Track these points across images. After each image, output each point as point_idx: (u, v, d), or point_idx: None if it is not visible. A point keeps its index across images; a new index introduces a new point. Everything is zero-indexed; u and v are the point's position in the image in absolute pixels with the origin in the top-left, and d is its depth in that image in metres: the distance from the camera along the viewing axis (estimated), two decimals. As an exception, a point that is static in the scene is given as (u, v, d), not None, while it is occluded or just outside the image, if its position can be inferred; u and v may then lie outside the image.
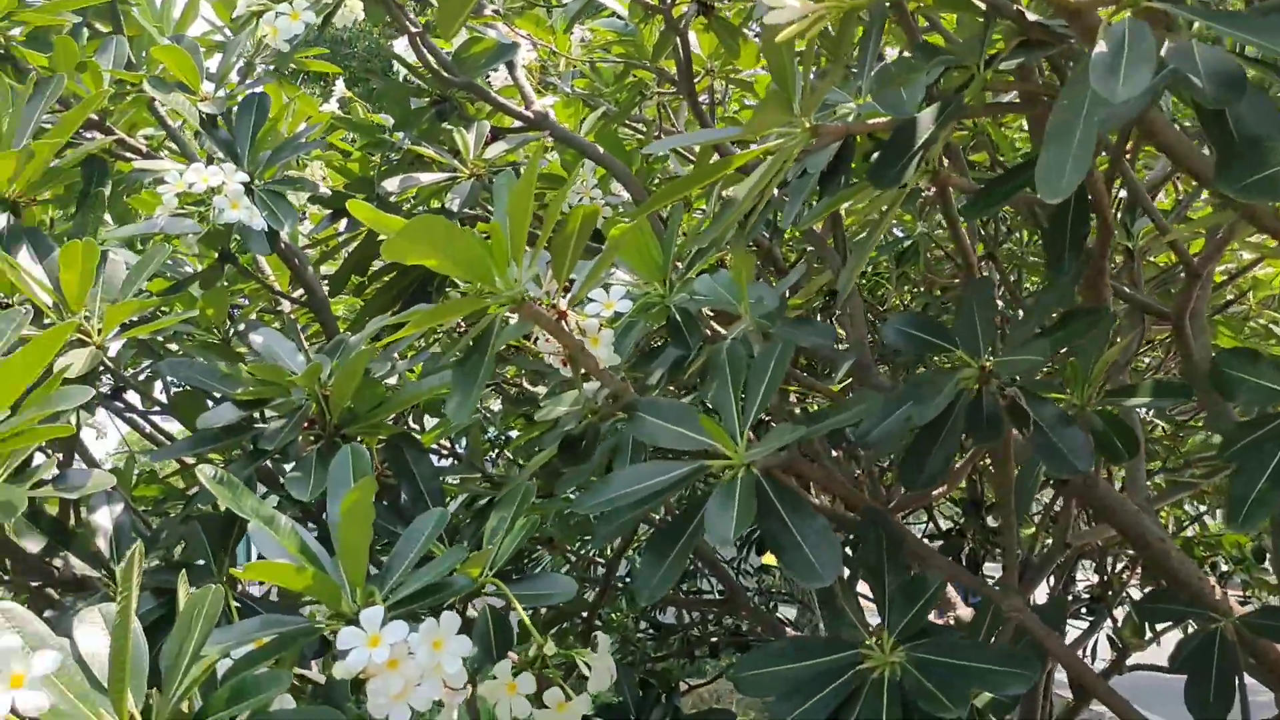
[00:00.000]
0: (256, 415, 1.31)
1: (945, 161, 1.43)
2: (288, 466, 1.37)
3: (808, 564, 0.86)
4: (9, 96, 1.20)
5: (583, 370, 1.12)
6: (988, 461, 1.96)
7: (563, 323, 1.06)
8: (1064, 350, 1.21)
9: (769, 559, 3.55)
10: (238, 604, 1.25)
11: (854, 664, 0.97)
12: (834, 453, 1.82)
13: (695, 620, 3.51)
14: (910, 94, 1.19)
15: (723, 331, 1.37)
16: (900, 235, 2.40)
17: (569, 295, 1.10)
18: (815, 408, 2.36)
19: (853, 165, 1.19)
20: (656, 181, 2.18)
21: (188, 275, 1.72)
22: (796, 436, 0.88)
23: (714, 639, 3.24)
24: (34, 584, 1.24)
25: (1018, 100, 1.21)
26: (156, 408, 1.86)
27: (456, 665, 0.85)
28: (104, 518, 1.31)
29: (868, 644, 0.97)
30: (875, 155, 1.02)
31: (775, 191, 1.34)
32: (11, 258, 1.13)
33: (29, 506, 1.30)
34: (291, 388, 1.23)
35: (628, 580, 3.42)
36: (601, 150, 1.78)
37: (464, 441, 2.31)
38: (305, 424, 1.25)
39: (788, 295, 1.72)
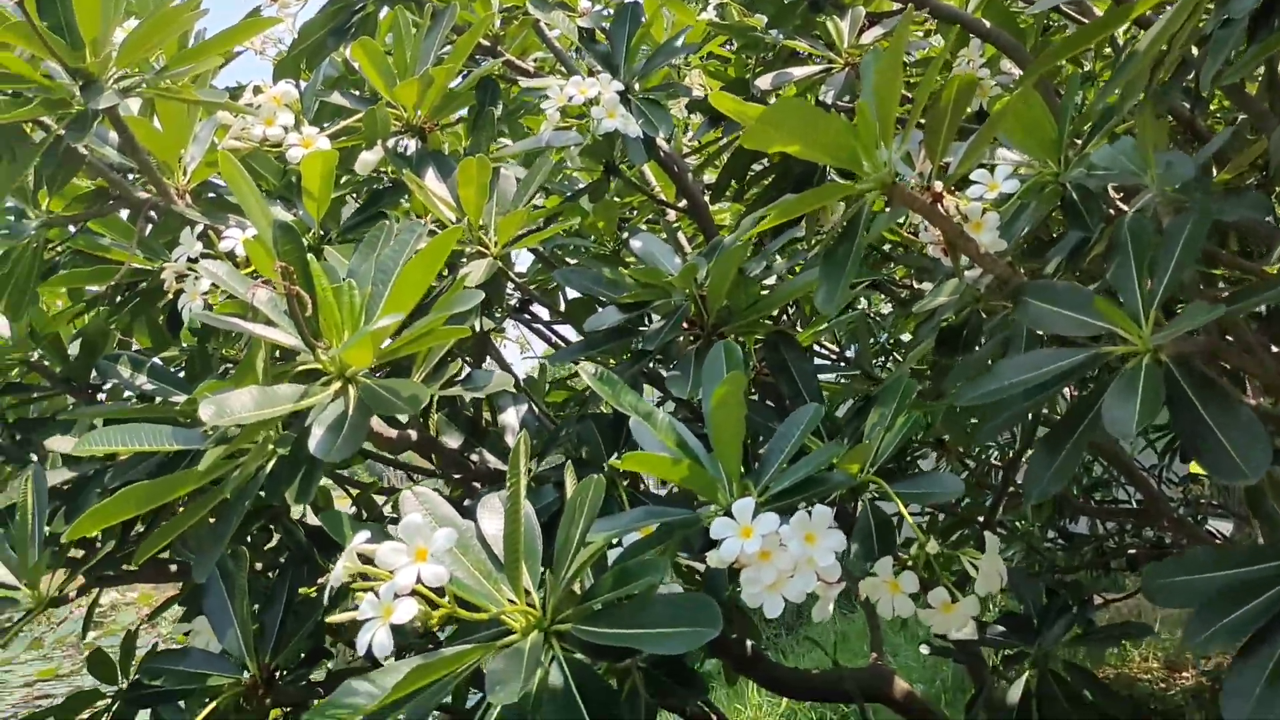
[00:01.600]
0: (641, 318, 1.36)
1: None
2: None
3: (1228, 459, 0.75)
4: (410, 31, 1.30)
5: (962, 257, 1.05)
6: None
7: (938, 206, 0.99)
8: None
9: (1196, 467, 3.22)
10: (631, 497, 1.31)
11: (1289, 577, 0.84)
12: (1274, 349, 1.59)
13: (1111, 531, 3.27)
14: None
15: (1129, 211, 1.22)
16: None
17: (946, 177, 1.03)
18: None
19: None
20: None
21: (578, 190, 1.80)
22: (1213, 316, 0.76)
23: (1131, 551, 3.00)
24: (456, 476, 1.37)
25: None
26: (559, 318, 1.99)
27: (829, 559, 0.83)
28: (511, 417, 1.42)
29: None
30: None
31: (1194, 50, 1.17)
32: (419, 179, 1.24)
33: (449, 408, 1.44)
34: (669, 289, 1.25)
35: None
36: (988, 24, 1.64)
37: (854, 348, 2.28)
38: (684, 324, 1.28)
39: (1213, 169, 1.52)
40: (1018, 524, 3.20)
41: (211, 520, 1.00)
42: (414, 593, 0.72)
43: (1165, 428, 3.23)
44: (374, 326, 0.82)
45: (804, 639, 5.21)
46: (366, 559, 0.75)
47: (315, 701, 0.95)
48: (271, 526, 1.60)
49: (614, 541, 0.98)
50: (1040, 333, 1.16)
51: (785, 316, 1.82)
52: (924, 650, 1.85)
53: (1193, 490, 3.43)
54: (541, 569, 0.89)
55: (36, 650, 7.53)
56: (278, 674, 1.18)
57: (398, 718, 0.80)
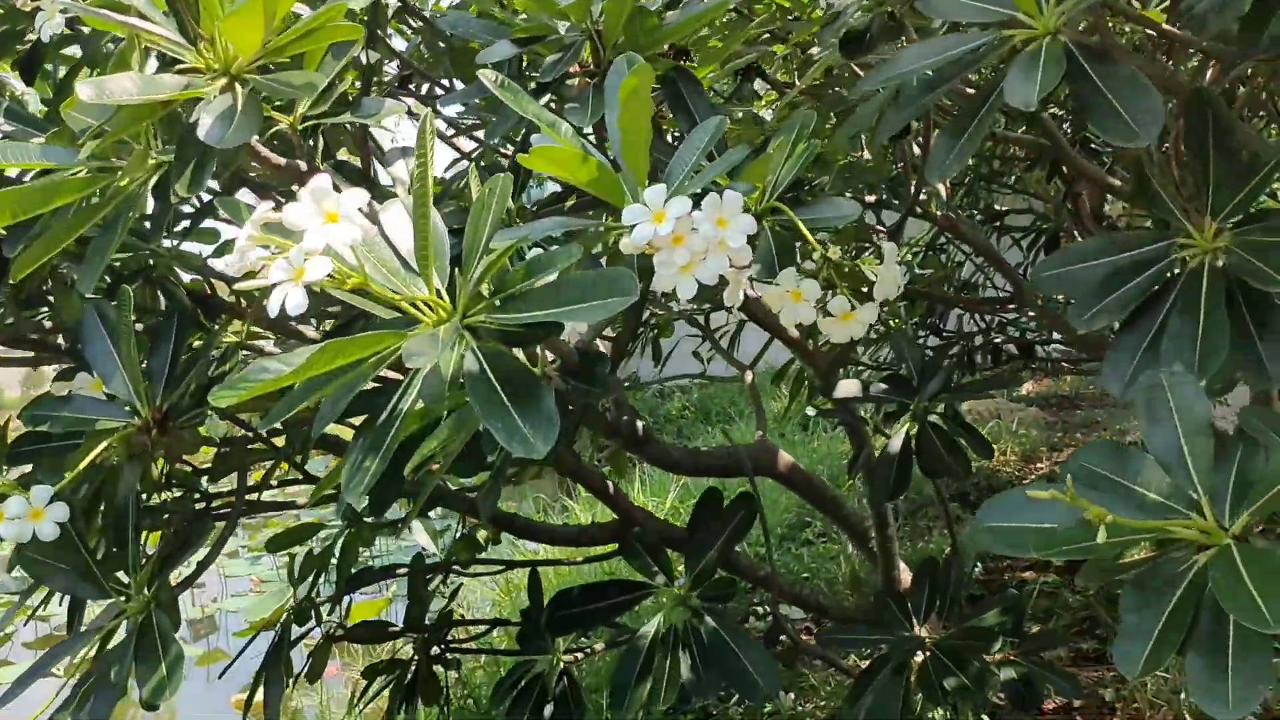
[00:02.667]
0: (533, 61, 1.32)
1: None
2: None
3: (1121, 122, 0.77)
4: None
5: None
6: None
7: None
8: None
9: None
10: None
11: (1168, 254, 0.88)
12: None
13: (979, 329, 3.42)
14: None
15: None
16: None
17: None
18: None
19: None
20: None
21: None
22: (1114, -15, 0.78)
23: (997, 341, 3.15)
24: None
25: None
26: (439, 92, 1.93)
27: (740, 240, 0.84)
28: (401, 170, 1.38)
29: (1186, 231, 0.88)
30: None
31: None
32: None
33: (333, 160, 1.39)
34: (563, 20, 1.21)
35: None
36: None
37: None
38: (577, 65, 1.25)
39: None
40: (890, 323, 3.32)
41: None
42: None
43: (1029, 228, 3.37)
44: (263, -13, 0.77)
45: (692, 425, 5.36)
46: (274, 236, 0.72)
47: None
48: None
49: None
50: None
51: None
52: (810, 412, 1.92)
53: (1054, 286, 3.60)
54: (450, 269, 0.88)
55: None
56: (169, 418, 1.15)
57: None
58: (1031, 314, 3.06)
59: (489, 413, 0.76)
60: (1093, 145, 2.83)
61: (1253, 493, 0.73)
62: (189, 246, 1.54)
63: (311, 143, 1.26)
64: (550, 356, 1.01)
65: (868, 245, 2.81)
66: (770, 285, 1.03)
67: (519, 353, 0.89)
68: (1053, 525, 0.74)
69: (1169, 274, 0.88)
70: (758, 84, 1.97)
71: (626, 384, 3.33)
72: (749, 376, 2.54)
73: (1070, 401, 6.36)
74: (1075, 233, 3.09)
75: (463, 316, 0.84)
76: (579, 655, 1.71)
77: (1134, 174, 0.90)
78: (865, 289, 1.15)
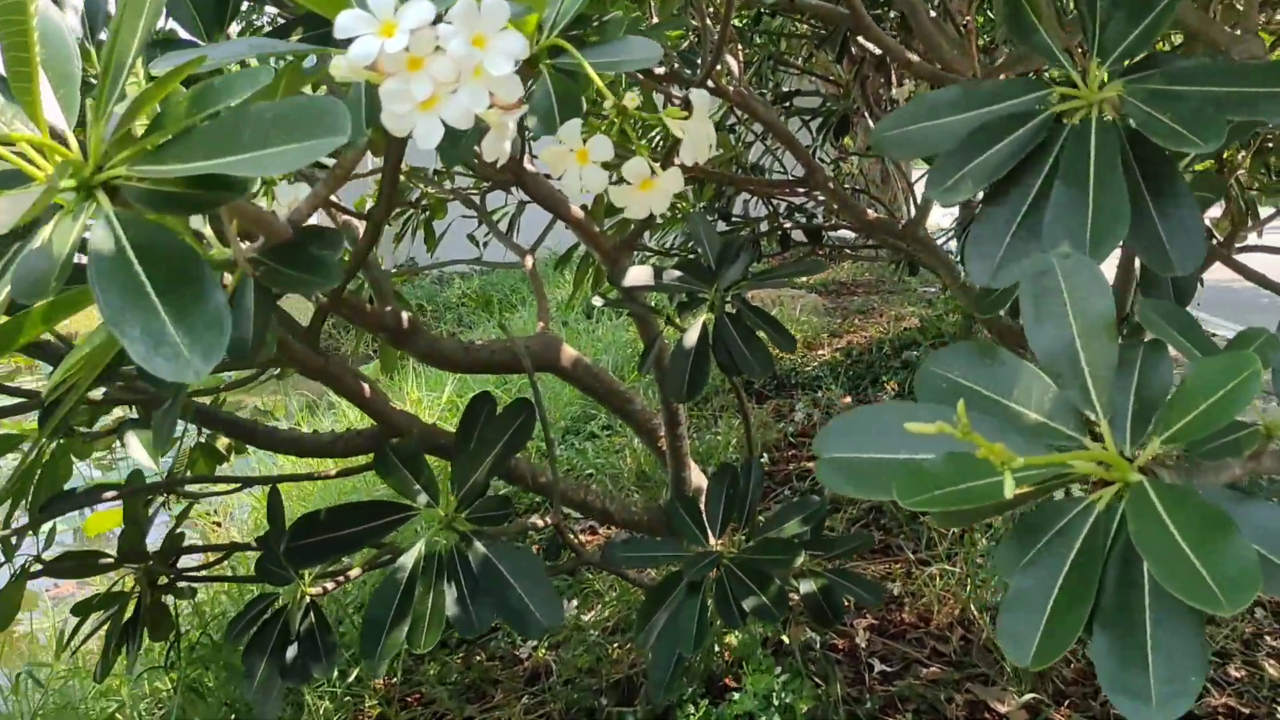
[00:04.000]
0: None
1: None
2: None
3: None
4: None
5: None
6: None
7: None
8: None
9: (850, 141, 3.27)
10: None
11: (1045, 106, 0.71)
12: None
13: (767, 214, 3.32)
14: None
15: None
16: None
17: None
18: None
19: None
20: None
21: None
22: None
23: (786, 226, 3.04)
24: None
25: None
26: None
27: (505, 67, 0.60)
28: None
29: (1069, 80, 0.70)
30: None
31: None
32: None
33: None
34: None
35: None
36: None
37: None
38: None
39: None
40: (679, 205, 3.16)
41: None
42: None
43: (820, 111, 3.27)
44: None
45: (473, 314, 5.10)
46: None
47: None
48: None
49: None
50: None
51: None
52: (597, 303, 1.71)
53: (842, 168, 3.54)
54: (82, 101, 0.61)
55: None
56: None
57: None
58: (821, 198, 2.96)
59: (121, 313, 0.50)
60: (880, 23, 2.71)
61: (1166, 414, 0.57)
62: None
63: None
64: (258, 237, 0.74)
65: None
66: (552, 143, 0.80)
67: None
68: (921, 460, 0.56)
69: (1046, 132, 0.70)
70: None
71: (395, 269, 3.04)
72: (529, 262, 2.31)
73: (847, 288, 6.47)
74: (866, 114, 3.00)
75: (96, 169, 0.57)
76: (329, 586, 1.47)
77: (1007, 4, 0.71)
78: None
